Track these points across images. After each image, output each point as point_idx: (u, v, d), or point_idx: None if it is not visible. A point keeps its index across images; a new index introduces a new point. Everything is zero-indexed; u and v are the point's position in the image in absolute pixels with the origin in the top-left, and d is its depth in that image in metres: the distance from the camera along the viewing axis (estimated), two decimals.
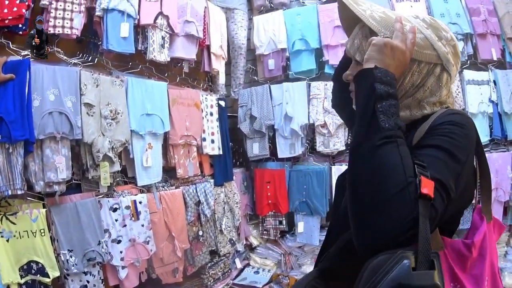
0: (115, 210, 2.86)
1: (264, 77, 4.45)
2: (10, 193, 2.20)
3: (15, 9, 2.29)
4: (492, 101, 4.00)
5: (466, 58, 4.04)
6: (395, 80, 1.05)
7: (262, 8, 4.61)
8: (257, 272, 4.26)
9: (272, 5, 4.55)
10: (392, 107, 0.99)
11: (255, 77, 4.59)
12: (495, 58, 4.04)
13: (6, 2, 2.27)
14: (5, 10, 2.27)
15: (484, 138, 4.00)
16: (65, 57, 2.72)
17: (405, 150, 0.95)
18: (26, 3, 2.32)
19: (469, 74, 4.03)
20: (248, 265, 4.41)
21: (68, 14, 2.60)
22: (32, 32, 2.32)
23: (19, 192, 2.24)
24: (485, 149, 3.89)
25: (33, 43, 2.32)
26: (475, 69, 4.12)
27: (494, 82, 4.04)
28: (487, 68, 4.12)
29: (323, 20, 4.18)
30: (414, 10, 4.00)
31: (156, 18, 3.17)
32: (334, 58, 4.09)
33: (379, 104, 0.99)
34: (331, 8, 4.16)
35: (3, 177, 2.18)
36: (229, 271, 4.10)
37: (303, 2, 4.51)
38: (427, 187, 0.87)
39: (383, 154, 0.94)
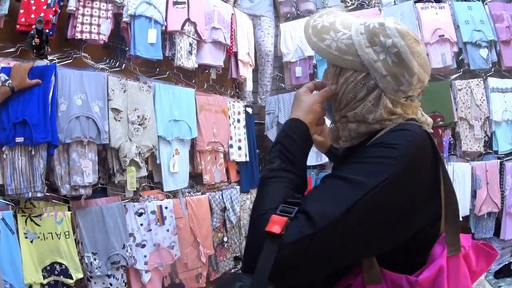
0: (140, 214, 2.83)
1: (291, 84, 4.39)
2: (30, 195, 2.20)
3: (42, 14, 2.30)
4: None
5: (490, 65, 3.94)
6: (305, 126, 1.09)
7: (288, 15, 4.57)
8: None
9: (299, 12, 4.49)
10: (284, 151, 1.04)
11: (282, 84, 4.55)
12: None
13: (33, 8, 2.28)
14: (32, 15, 2.28)
15: (508, 146, 3.90)
16: (92, 62, 2.72)
17: (277, 187, 0.99)
18: (53, 9, 2.34)
19: (493, 81, 3.92)
20: None
21: (95, 20, 2.60)
22: (32, 32, 2.30)
23: (38, 195, 2.23)
24: (508, 158, 3.85)
25: (33, 43, 2.29)
26: (499, 76, 4.01)
27: None
28: (511, 76, 4.00)
29: None
30: (439, 17, 3.91)
31: (183, 25, 3.16)
32: None
33: (274, 148, 1.08)
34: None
35: (24, 180, 2.18)
36: None
37: None
38: (276, 224, 0.86)
39: (259, 190, 1.02)
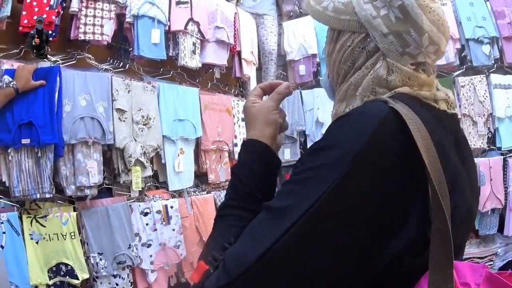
0: (146, 214, 2.81)
1: (295, 82, 4.34)
2: (38, 196, 2.18)
3: (45, 16, 2.27)
4: None
5: (493, 62, 3.92)
6: (262, 146, 0.87)
7: (291, 14, 4.53)
8: None
9: (301, 11, 4.45)
10: (236, 182, 0.84)
11: None
12: None
13: (36, 10, 2.26)
14: (35, 17, 2.25)
15: (511, 142, 3.88)
16: (96, 63, 2.70)
17: (222, 228, 0.80)
18: (56, 10, 2.31)
19: (496, 78, 3.91)
20: None
21: (98, 21, 2.57)
22: (32, 32, 2.27)
23: (47, 196, 2.22)
24: (511, 154, 3.83)
25: (33, 43, 2.26)
26: (502, 72, 3.98)
27: None
28: None
29: None
30: None
31: (186, 24, 3.13)
32: None
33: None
34: None
35: (32, 181, 2.16)
36: None
37: None
38: (197, 272, 0.70)
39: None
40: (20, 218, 2.21)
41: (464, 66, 3.98)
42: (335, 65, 0.86)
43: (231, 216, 0.80)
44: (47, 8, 2.27)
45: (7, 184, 2.15)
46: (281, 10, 4.57)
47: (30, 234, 2.23)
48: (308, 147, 3.72)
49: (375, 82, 0.80)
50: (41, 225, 2.26)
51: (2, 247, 2.09)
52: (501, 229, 3.83)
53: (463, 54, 3.99)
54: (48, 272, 2.29)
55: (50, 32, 2.35)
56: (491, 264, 3.79)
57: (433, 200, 0.65)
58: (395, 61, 0.79)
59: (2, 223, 2.09)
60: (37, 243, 2.25)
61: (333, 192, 0.64)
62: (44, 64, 2.35)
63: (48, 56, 2.43)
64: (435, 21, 0.81)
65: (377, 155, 0.66)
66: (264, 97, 0.95)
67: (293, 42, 4.28)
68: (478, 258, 3.80)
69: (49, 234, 2.29)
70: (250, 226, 0.71)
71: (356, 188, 0.65)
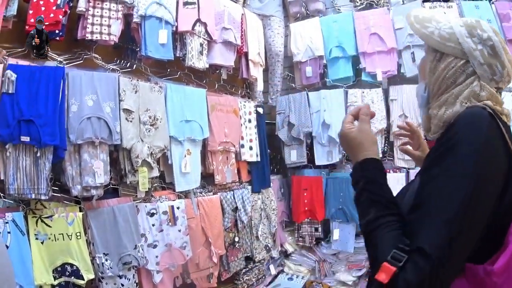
0: (152, 215, 2.76)
1: (302, 84, 4.30)
2: (33, 196, 2.12)
3: (51, 15, 2.23)
4: None
5: None
6: (379, 162, 1.20)
7: (298, 15, 4.47)
8: (291, 279, 4.11)
9: (308, 12, 4.40)
10: (374, 197, 1.12)
11: (293, 84, 4.45)
12: None
13: (43, 9, 2.22)
14: (42, 16, 2.21)
15: None
16: (103, 63, 2.65)
17: (382, 235, 1.04)
18: (63, 10, 2.27)
19: None
20: (282, 271, 4.25)
21: (105, 21, 2.52)
22: (32, 32, 2.24)
23: (42, 197, 2.16)
24: None
25: (33, 43, 2.22)
26: None
27: None
28: None
29: (359, 27, 4.03)
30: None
31: (194, 25, 3.08)
32: (370, 65, 3.93)
33: (362, 197, 1.16)
34: (367, 15, 4.04)
35: (28, 180, 2.10)
36: (263, 277, 3.94)
37: (339, 9, 4.34)
38: (384, 272, 0.94)
39: (367, 243, 1.10)
40: (26, 218, 2.16)
41: None
42: (438, 80, 1.19)
43: (386, 224, 1.05)
44: (54, 8, 2.23)
45: (2, 179, 2.10)
46: (287, 12, 4.52)
47: (35, 234, 2.18)
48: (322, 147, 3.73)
49: (471, 95, 1.13)
50: (47, 225, 2.21)
51: (7, 247, 2.03)
52: None
53: None
54: (53, 272, 2.24)
55: (56, 31, 2.30)
56: None
57: None
58: (486, 83, 1.13)
59: (7, 222, 2.04)
60: (42, 243, 2.20)
61: (475, 177, 0.96)
62: (50, 63, 2.30)
63: (54, 55, 2.39)
64: (510, 61, 1.16)
65: (491, 145, 1.01)
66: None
67: (300, 43, 4.23)
68: None
69: (54, 234, 2.24)
70: (418, 220, 0.99)
71: (486, 170, 0.98)
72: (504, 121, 1.11)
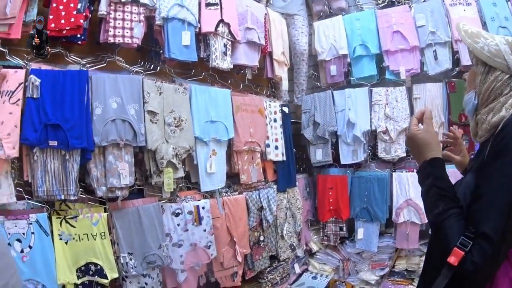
0: (177, 215, 2.74)
1: (327, 83, 4.21)
2: (63, 197, 2.13)
3: (72, 19, 2.21)
4: None
5: None
6: (443, 160, 1.35)
7: (321, 14, 4.38)
8: (315, 278, 4.06)
9: (331, 11, 4.31)
10: (442, 192, 1.28)
11: (318, 83, 4.37)
12: None
13: (63, 13, 2.20)
14: (62, 21, 2.19)
15: None
16: (126, 65, 2.63)
17: (452, 224, 1.21)
18: (84, 14, 2.24)
19: None
20: (306, 270, 4.21)
21: (127, 24, 2.49)
22: (32, 32, 2.21)
23: (72, 198, 2.16)
24: None
25: (33, 43, 2.20)
26: None
27: None
28: None
29: (382, 25, 3.91)
30: (467, 13, 3.63)
31: (217, 26, 3.03)
32: (394, 63, 3.83)
33: (431, 191, 1.30)
34: (389, 13, 3.91)
35: (57, 182, 2.11)
36: (288, 276, 3.89)
37: (361, 7, 4.23)
38: (454, 256, 1.14)
39: (437, 233, 1.29)
40: (50, 218, 2.17)
41: None
42: (488, 90, 1.31)
43: (453, 215, 1.21)
44: (74, 12, 2.19)
45: (30, 182, 2.10)
46: (311, 10, 4.43)
47: (59, 235, 2.18)
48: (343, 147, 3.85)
49: None
50: (71, 225, 2.21)
51: (31, 247, 2.04)
52: None
53: None
54: (76, 272, 2.24)
55: (78, 35, 2.29)
56: None
57: None
58: None
59: (31, 223, 2.05)
60: (66, 243, 2.20)
61: None
62: (73, 67, 2.29)
63: (78, 59, 2.38)
64: None
65: None
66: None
67: (324, 42, 4.14)
68: None
69: (78, 234, 2.24)
70: (479, 210, 1.17)
71: None
72: None
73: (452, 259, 1.14)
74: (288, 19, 4.22)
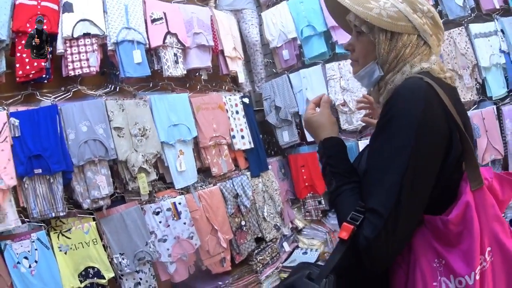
0: (157, 213, 3.32)
1: (282, 68, 4.75)
2: (53, 215, 2.70)
3: (35, 64, 2.69)
4: (503, 51, 3.92)
5: (469, 11, 4.02)
6: (338, 139, 1.41)
7: (268, 3, 4.89)
8: (305, 253, 4.49)
9: None
10: (334, 170, 1.33)
11: (274, 70, 4.92)
12: (497, 7, 3.98)
13: (27, 60, 2.67)
14: (28, 67, 2.68)
15: (501, 90, 3.98)
16: (90, 92, 3.19)
17: (343, 200, 1.28)
18: (46, 57, 2.74)
19: (475, 27, 3.99)
20: (297, 247, 4.65)
21: (83, 56, 3.01)
22: (32, 32, 2.46)
23: (61, 214, 2.72)
24: (504, 102, 3.98)
25: (33, 43, 2.46)
26: (481, 21, 4.05)
27: (502, 31, 3.96)
28: (492, 18, 4.06)
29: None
30: None
31: (165, 38, 3.55)
32: (342, 37, 4.25)
33: (326, 171, 1.37)
34: None
35: (47, 203, 2.68)
36: (278, 255, 4.37)
37: None
38: (344, 231, 1.16)
39: (334, 209, 1.35)
40: (48, 234, 2.74)
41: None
42: (397, 58, 1.28)
43: (345, 192, 1.27)
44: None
45: (26, 207, 2.65)
46: (259, 1, 4.95)
47: (58, 247, 2.75)
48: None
49: (422, 61, 1.28)
50: (67, 237, 2.79)
51: (36, 262, 2.62)
52: None
53: (437, 9, 4.03)
54: (78, 277, 2.81)
55: (43, 76, 2.78)
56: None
57: (462, 137, 1.16)
58: (434, 51, 1.31)
59: (33, 241, 2.63)
60: (65, 253, 2.78)
61: (415, 144, 1.11)
62: (45, 103, 2.84)
63: (47, 95, 2.91)
64: (442, 27, 1.33)
65: (429, 114, 1.13)
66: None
67: (273, 29, 4.68)
68: None
69: (74, 244, 2.82)
70: (369, 185, 1.19)
71: (426, 138, 1.12)
72: (448, 84, 1.28)
73: (343, 234, 1.14)
74: (238, 15, 4.76)
